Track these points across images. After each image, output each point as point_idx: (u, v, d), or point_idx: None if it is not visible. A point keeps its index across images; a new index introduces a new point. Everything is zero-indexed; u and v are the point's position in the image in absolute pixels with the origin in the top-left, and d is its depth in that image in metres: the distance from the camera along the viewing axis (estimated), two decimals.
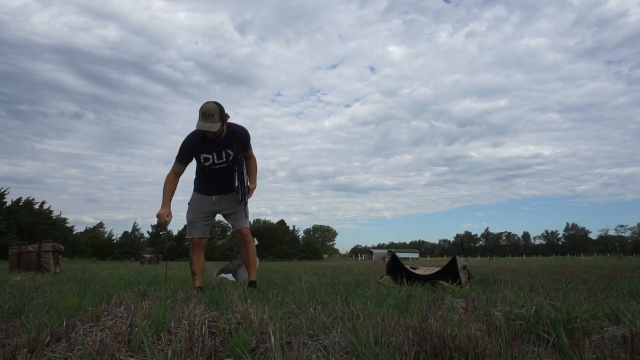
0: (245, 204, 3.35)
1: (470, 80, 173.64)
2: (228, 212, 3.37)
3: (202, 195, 3.35)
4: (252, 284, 3.26)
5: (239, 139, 3.22)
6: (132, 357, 1.30)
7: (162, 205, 3.12)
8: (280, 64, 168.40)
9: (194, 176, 3.41)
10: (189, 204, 3.37)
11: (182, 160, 3.21)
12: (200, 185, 3.37)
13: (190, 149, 3.18)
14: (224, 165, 3.22)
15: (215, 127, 2.96)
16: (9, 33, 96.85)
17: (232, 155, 3.20)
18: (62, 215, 43.91)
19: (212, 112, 2.96)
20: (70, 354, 1.32)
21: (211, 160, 3.19)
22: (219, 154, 3.18)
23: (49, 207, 40.74)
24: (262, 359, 1.29)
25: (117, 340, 1.41)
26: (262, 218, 66.59)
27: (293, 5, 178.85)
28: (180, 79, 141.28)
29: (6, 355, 1.24)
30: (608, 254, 69.43)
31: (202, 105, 3.00)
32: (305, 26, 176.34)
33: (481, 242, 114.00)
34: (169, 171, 3.23)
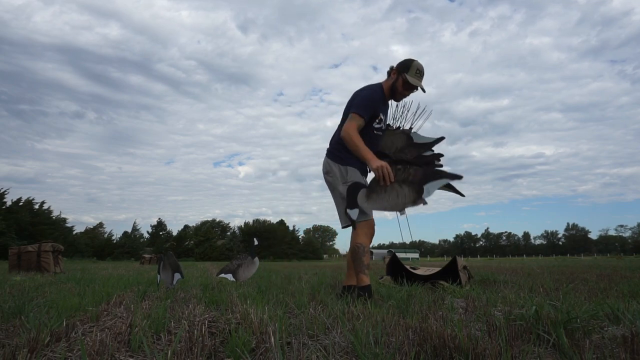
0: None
1: (473, 80, 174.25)
2: None
3: (360, 174, 2.71)
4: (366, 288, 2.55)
5: None
6: (132, 357, 1.30)
7: (373, 158, 2.50)
8: (283, 63, 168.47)
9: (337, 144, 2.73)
10: (350, 179, 2.65)
11: (367, 116, 2.61)
12: (355, 158, 2.68)
13: (377, 103, 2.65)
14: (381, 132, 2.79)
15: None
16: (10, 31, 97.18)
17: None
18: (62, 216, 44.00)
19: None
20: (70, 354, 1.32)
21: (381, 124, 2.74)
22: (386, 117, 2.81)
23: (49, 207, 40.77)
24: (262, 359, 1.29)
25: (117, 341, 1.41)
26: (262, 218, 66.41)
27: (296, 3, 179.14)
28: (182, 78, 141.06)
29: (6, 355, 1.24)
30: (608, 254, 69.42)
31: (417, 62, 2.62)
32: (308, 25, 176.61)
33: (481, 242, 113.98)
34: (351, 128, 2.57)
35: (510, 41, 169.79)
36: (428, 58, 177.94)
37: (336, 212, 2.76)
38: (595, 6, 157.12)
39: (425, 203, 2.41)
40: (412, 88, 2.66)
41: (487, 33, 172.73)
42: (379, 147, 2.77)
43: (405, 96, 2.73)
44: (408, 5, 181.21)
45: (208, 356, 1.29)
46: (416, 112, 2.78)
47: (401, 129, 2.84)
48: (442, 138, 2.72)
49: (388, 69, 2.74)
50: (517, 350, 1.27)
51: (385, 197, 2.40)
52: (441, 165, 2.75)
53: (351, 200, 2.38)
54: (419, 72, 2.63)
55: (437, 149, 2.71)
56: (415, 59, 2.65)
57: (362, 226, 2.59)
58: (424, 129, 2.91)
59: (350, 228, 2.69)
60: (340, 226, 2.75)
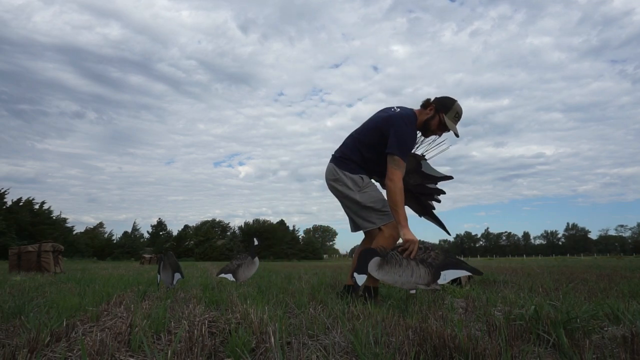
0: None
1: (473, 80, 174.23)
2: None
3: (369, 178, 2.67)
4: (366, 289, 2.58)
5: None
6: (132, 357, 1.30)
7: (407, 226, 2.37)
8: (283, 63, 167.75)
9: (354, 156, 2.67)
10: (365, 186, 2.60)
11: (407, 160, 2.52)
12: (365, 169, 2.67)
13: (414, 142, 2.59)
14: None
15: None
16: (10, 31, 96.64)
17: None
18: (62, 216, 44.00)
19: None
20: (70, 354, 1.32)
21: None
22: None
23: (49, 207, 40.80)
24: (262, 359, 1.29)
25: (117, 340, 1.41)
26: (262, 218, 66.40)
27: (296, 3, 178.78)
28: (182, 78, 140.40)
29: (6, 355, 1.24)
30: (608, 254, 69.42)
31: (458, 104, 2.53)
32: (308, 24, 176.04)
33: (481, 242, 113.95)
34: (399, 181, 2.42)
35: (511, 41, 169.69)
36: (428, 58, 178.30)
37: (336, 213, 2.79)
38: (595, 6, 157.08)
39: (438, 289, 2.34)
40: (446, 130, 2.56)
41: (487, 33, 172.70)
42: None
43: (435, 135, 2.65)
44: (408, 5, 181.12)
45: (208, 356, 1.30)
46: (434, 141, 2.70)
47: (414, 151, 2.76)
48: (450, 177, 2.70)
49: (424, 99, 2.61)
50: (517, 350, 1.27)
51: (398, 271, 2.26)
52: (439, 201, 2.76)
53: (362, 266, 2.26)
54: (457, 116, 2.55)
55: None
56: (457, 99, 2.55)
57: (388, 228, 2.53)
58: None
59: (361, 231, 2.70)
60: (350, 230, 2.74)
